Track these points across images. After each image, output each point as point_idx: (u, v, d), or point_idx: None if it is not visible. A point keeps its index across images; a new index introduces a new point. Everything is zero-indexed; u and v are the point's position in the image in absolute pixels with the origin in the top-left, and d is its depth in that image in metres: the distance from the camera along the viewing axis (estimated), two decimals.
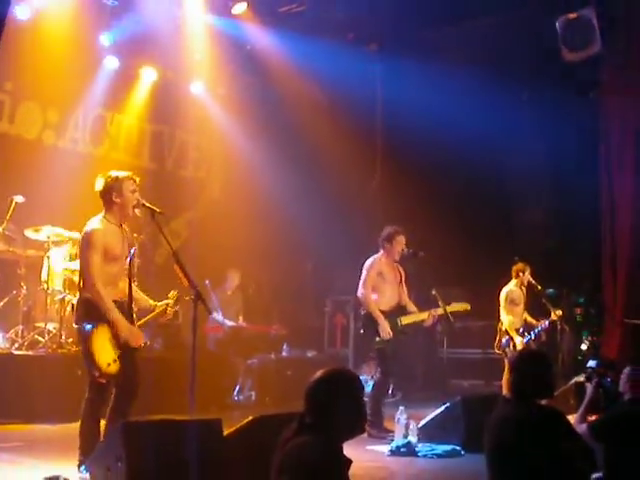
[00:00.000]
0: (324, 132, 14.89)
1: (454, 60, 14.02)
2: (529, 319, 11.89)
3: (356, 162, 15.24)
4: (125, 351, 6.63)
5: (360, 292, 9.84)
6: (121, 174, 6.91)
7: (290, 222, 14.74)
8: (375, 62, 15.10)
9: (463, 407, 8.70)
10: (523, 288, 11.83)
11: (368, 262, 9.95)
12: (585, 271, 14.60)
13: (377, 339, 9.63)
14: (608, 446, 5.47)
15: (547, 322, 11.78)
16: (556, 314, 11.80)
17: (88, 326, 6.56)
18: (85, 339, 6.58)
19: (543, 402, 5.26)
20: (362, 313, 9.96)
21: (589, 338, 13.96)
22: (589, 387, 6.09)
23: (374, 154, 16.18)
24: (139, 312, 7.02)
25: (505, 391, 5.35)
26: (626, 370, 5.72)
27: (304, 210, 14.55)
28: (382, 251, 9.99)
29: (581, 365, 12.93)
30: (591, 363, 6.41)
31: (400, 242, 9.90)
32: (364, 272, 9.88)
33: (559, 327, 12.00)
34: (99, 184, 6.88)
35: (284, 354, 13.75)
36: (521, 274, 11.80)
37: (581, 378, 11.02)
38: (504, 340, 11.58)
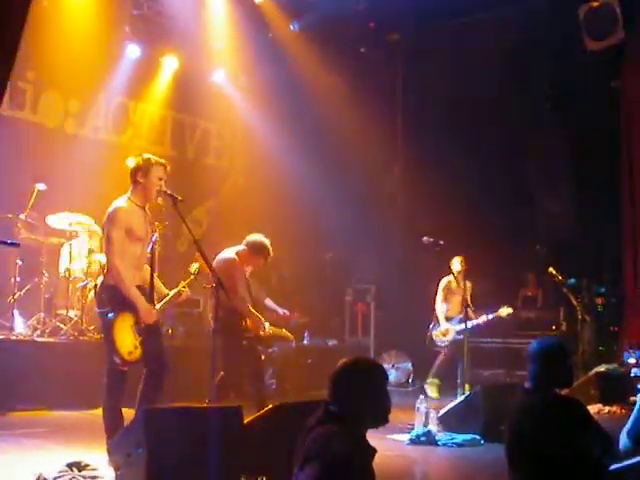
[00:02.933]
0: (346, 120, 14.91)
1: (474, 49, 13.93)
2: (470, 313, 11.26)
3: (377, 151, 15.25)
4: (149, 335, 6.64)
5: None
6: (153, 158, 6.95)
7: (312, 211, 14.78)
8: (396, 51, 15.04)
9: (483, 396, 8.72)
10: (460, 280, 11.44)
11: (235, 266, 8.85)
12: (605, 261, 14.53)
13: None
14: None
15: (488, 317, 11.76)
16: (504, 312, 11.79)
17: (110, 314, 6.55)
18: (107, 327, 6.57)
19: (563, 392, 5.25)
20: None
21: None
22: None
23: (395, 143, 16.16)
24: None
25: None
26: None
27: (326, 199, 14.58)
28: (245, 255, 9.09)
29: (602, 356, 12.91)
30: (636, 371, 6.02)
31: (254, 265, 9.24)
32: (236, 277, 8.72)
33: (580, 317, 11.95)
34: (130, 162, 6.95)
35: (305, 342, 13.77)
36: (451, 267, 11.59)
37: (602, 368, 11.05)
38: (431, 325, 11.76)
